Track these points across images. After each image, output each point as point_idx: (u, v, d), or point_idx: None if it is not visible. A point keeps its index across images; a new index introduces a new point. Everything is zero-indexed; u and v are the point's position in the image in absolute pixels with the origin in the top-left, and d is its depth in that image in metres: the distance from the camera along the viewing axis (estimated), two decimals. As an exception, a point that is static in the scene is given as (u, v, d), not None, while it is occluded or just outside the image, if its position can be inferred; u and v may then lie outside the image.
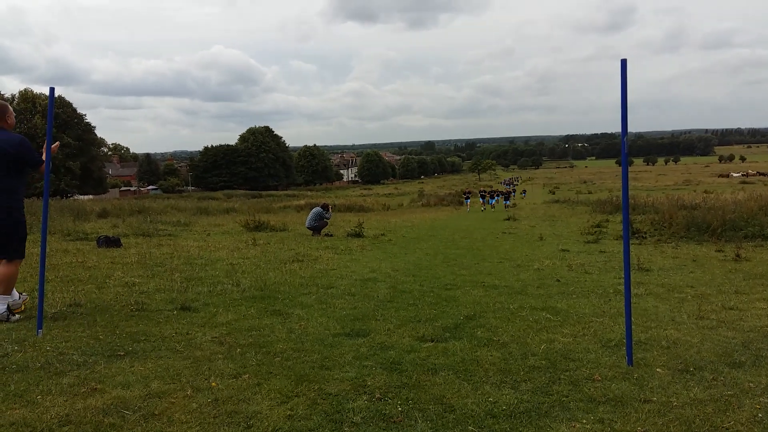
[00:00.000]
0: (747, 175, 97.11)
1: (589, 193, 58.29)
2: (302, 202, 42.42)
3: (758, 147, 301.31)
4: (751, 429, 3.24)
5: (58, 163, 59.27)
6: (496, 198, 43.62)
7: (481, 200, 42.16)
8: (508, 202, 40.00)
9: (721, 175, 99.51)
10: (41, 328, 4.96)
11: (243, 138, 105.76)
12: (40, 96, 63.52)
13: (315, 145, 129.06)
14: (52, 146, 5.43)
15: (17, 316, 5.43)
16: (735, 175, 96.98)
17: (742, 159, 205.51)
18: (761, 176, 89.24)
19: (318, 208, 16.81)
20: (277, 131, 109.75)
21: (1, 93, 65.07)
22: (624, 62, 4.29)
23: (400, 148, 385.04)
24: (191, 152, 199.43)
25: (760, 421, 3.34)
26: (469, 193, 44.14)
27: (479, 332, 5.34)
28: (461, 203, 45.37)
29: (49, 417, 3.27)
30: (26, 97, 63.71)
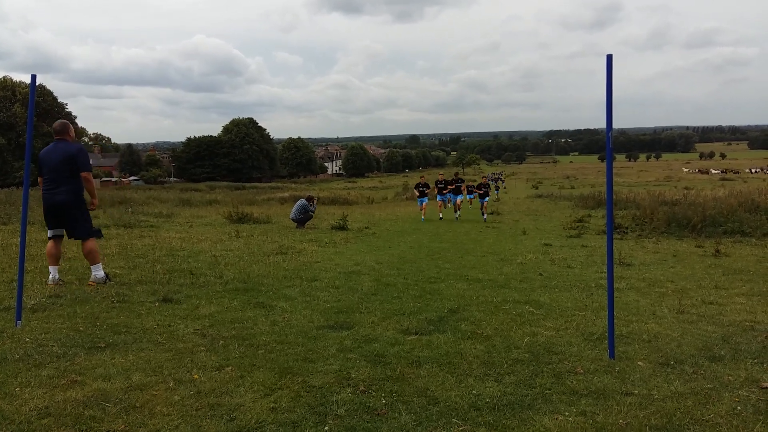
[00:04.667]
0: (704, 171, 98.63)
1: (572, 188, 58.68)
2: (286, 194, 42.22)
3: (738, 144, 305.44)
4: (730, 421, 3.28)
5: (37, 152, 58.38)
6: (470, 196, 29.26)
7: (439, 199, 22.36)
8: (485, 201, 21.96)
9: (700, 171, 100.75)
10: (20, 320, 4.90)
11: (226, 129, 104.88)
12: (20, 84, 62.50)
13: (299, 137, 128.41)
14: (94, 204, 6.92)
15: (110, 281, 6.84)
16: (715, 171, 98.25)
17: (722, 156, 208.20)
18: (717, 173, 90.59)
19: (303, 201, 16.74)
20: (261, 123, 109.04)
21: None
22: (609, 58, 4.30)
23: (385, 141, 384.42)
24: (173, 143, 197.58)
25: (738, 414, 3.38)
26: (426, 186, 22.06)
27: (463, 325, 5.35)
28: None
29: (27, 409, 3.23)
30: (5, 85, 62.66)
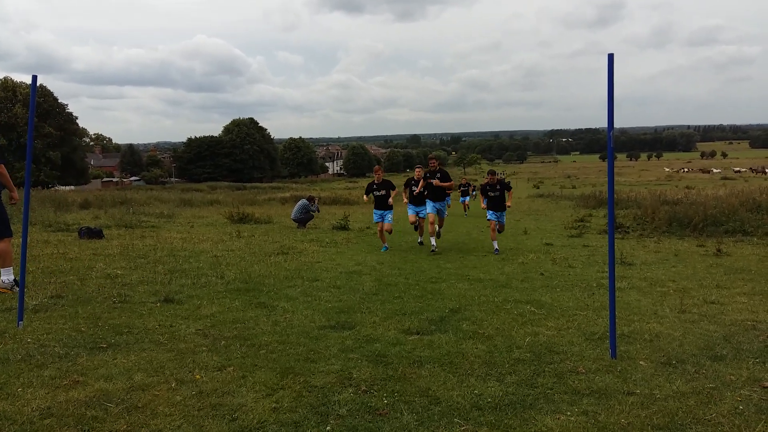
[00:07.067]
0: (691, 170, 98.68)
1: (573, 187, 58.68)
2: (287, 194, 42.22)
3: (739, 143, 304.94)
4: (732, 421, 3.28)
5: (38, 153, 58.43)
6: (463, 199, 26.19)
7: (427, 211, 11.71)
8: (500, 217, 11.90)
9: (702, 170, 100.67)
10: (22, 320, 4.90)
11: (227, 129, 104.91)
12: (20, 84, 62.45)
13: (300, 137, 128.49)
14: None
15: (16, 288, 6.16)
16: (716, 170, 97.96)
17: (724, 155, 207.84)
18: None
19: (304, 201, 16.76)
20: (262, 123, 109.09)
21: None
22: (611, 57, 4.30)
23: (386, 141, 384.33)
24: (174, 143, 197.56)
25: (741, 413, 3.38)
26: (387, 186, 11.69)
27: (464, 325, 5.35)
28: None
29: (30, 410, 3.23)
30: (6, 85, 62.61)
